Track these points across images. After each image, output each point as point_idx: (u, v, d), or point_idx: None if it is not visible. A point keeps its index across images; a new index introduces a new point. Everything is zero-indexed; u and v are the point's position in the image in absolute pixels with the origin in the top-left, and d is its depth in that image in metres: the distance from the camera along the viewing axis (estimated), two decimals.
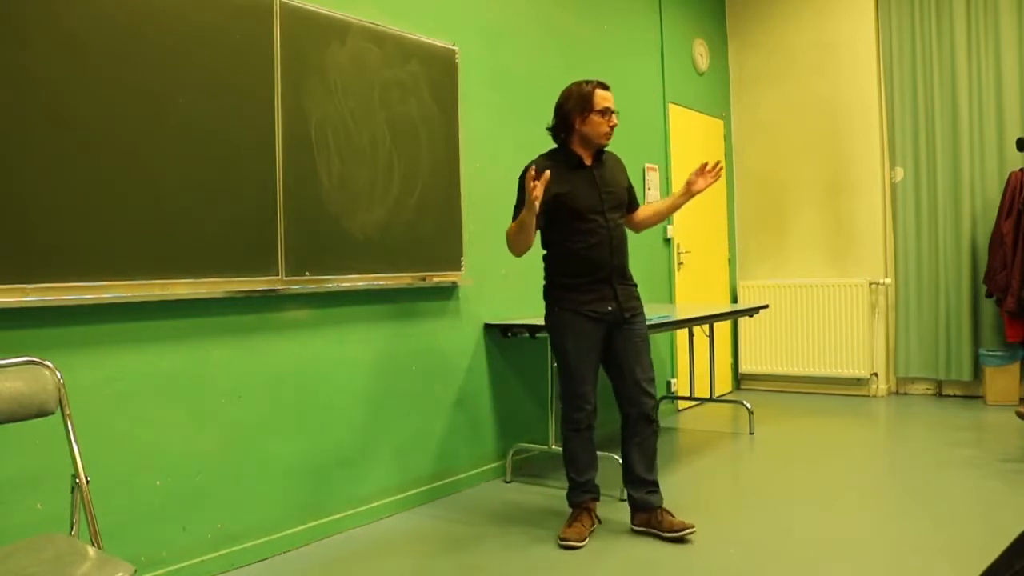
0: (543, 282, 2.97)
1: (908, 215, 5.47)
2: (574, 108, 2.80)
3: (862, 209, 5.66)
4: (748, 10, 6.15)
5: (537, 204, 2.59)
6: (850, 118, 5.69)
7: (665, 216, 3.15)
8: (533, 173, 2.54)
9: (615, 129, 2.83)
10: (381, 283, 3.19)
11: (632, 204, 3.04)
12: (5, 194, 2.10)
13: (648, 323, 3.39)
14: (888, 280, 5.56)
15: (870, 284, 5.56)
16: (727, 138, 6.18)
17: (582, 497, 2.93)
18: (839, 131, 5.74)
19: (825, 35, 5.78)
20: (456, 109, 3.55)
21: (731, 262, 6.19)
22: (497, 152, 3.90)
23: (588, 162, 2.86)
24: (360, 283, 3.10)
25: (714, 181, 2.97)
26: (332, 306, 3.07)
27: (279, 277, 2.79)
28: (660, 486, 2.93)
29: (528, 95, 4.11)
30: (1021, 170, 4.84)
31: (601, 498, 3.01)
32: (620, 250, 2.87)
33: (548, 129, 2.91)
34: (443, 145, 3.48)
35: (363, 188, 3.11)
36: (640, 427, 2.90)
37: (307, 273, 2.88)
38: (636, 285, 2.96)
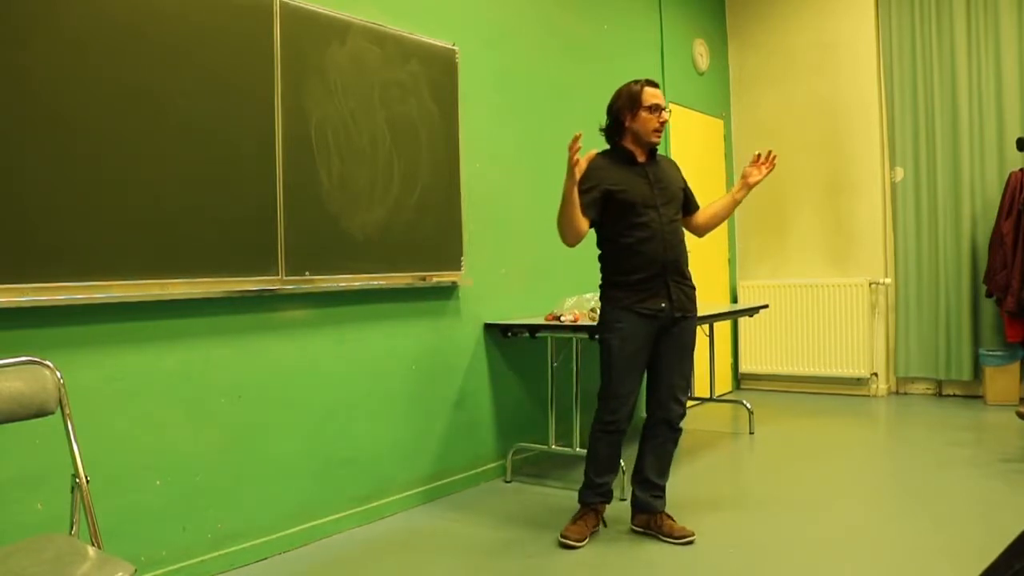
0: (599, 283, 2.92)
1: (908, 215, 5.47)
2: (624, 106, 2.81)
3: (862, 209, 5.66)
4: (748, 10, 6.16)
5: (577, 172, 2.59)
6: (850, 118, 5.69)
7: (726, 214, 3.07)
8: (578, 143, 2.55)
9: (665, 126, 2.83)
10: (381, 283, 3.19)
11: (690, 206, 3.01)
12: (5, 194, 2.10)
13: None
14: (888, 280, 5.56)
15: (870, 284, 5.56)
16: (727, 138, 6.18)
17: (593, 499, 2.91)
18: (839, 131, 5.74)
19: (825, 35, 5.78)
20: (456, 109, 3.55)
21: (731, 262, 6.19)
22: (497, 152, 3.90)
23: (641, 159, 2.85)
24: (360, 283, 3.10)
25: (769, 171, 2.93)
26: (332, 306, 3.07)
27: (279, 277, 2.79)
28: (666, 492, 2.92)
29: (528, 95, 4.11)
30: (1021, 170, 4.84)
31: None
32: (674, 246, 2.82)
33: (601, 130, 2.91)
34: (443, 145, 3.48)
35: (363, 188, 3.11)
36: (661, 431, 2.88)
37: (307, 273, 2.88)
38: (694, 287, 2.91)
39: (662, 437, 2.89)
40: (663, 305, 2.79)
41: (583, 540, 2.80)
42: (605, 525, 2.97)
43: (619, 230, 2.79)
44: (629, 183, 2.79)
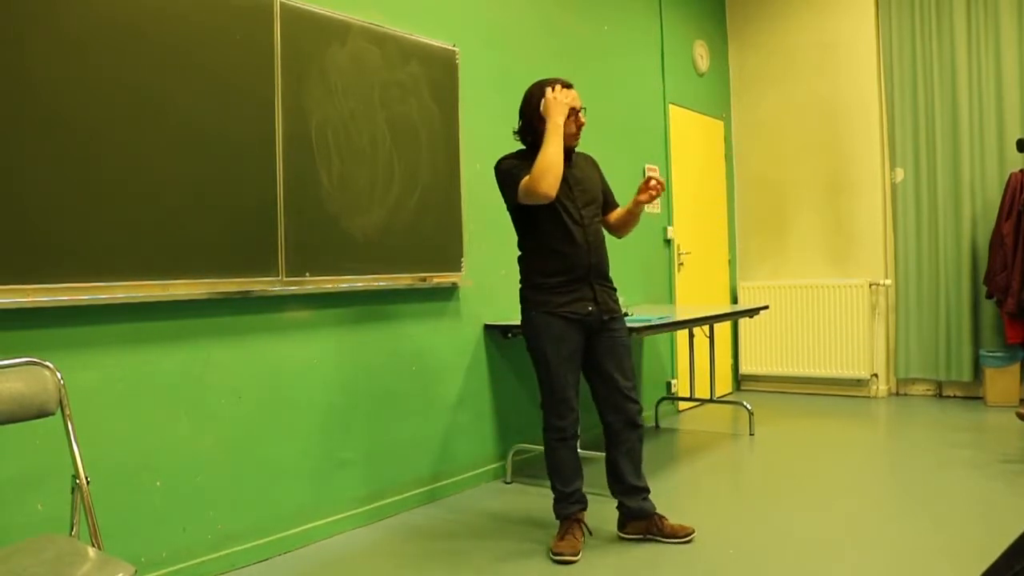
0: (518, 285, 2.85)
1: (908, 216, 5.47)
2: (538, 109, 2.70)
3: (862, 210, 5.66)
4: (748, 11, 6.16)
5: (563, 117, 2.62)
6: (850, 118, 5.69)
7: (632, 218, 2.93)
8: (550, 91, 2.61)
9: (583, 129, 2.76)
10: (381, 284, 3.19)
11: (608, 206, 2.95)
12: (5, 194, 2.11)
13: (648, 324, 3.39)
14: (888, 281, 5.56)
15: (870, 285, 5.56)
16: (727, 139, 6.18)
17: (570, 509, 2.80)
18: (839, 132, 5.74)
19: (825, 35, 5.78)
20: (456, 110, 3.55)
21: (731, 263, 6.19)
22: (497, 153, 3.86)
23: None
24: (360, 284, 3.10)
25: (655, 195, 2.77)
26: (332, 306, 3.07)
27: (279, 277, 2.79)
28: (650, 490, 2.88)
29: None
30: (1021, 171, 4.84)
31: (591, 498, 2.95)
32: (597, 248, 2.76)
33: (515, 132, 2.82)
34: (443, 146, 3.48)
35: (363, 189, 3.11)
36: (626, 434, 2.81)
37: (307, 273, 2.88)
38: (615, 288, 2.88)
39: (629, 440, 2.82)
40: (590, 308, 2.74)
41: (577, 554, 2.70)
42: (591, 533, 2.89)
43: (541, 234, 2.73)
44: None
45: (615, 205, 2.99)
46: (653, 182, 2.74)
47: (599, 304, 2.76)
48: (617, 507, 2.90)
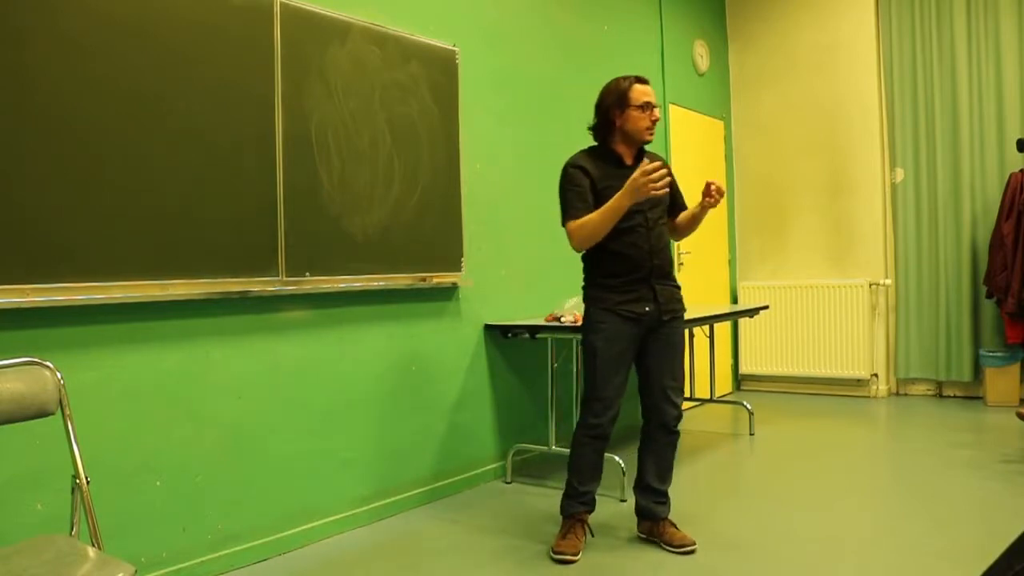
0: (582, 284, 2.86)
1: (908, 216, 5.47)
2: (613, 104, 2.73)
3: (862, 210, 5.66)
4: (748, 11, 6.16)
5: (641, 196, 2.54)
6: (850, 118, 5.69)
7: (695, 222, 2.93)
8: (663, 180, 2.51)
9: (656, 124, 2.76)
10: (381, 284, 3.19)
11: (675, 208, 2.93)
12: (5, 194, 2.11)
13: None
14: (888, 281, 5.56)
15: (870, 285, 5.56)
16: (727, 139, 6.18)
17: (577, 508, 2.79)
18: (839, 132, 5.74)
19: (825, 35, 5.78)
20: (456, 110, 3.55)
21: (731, 263, 6.19)
22: (497, 153, 3.90)
23: (629, 161, 2.77)
24: (360, 284, 3.10)
25: (716, 201, 2.74)
26: (332, 306, 3.07)
27: (279, 277, 2.79)
28: (670, 497, 2.86)
29: (529, 96, 4.11)
30: (1021, 171, 4.84)
31: (599, 498, 2.95)
32: (659, 249, 2.76)
33: (589, 128, 2.84)
34: (443, 146, 3.48)
35: (363, 189, 3.11)
36: (658, 436, 2.81)
37: (307, 273, 2.88)
38: (679, 287, 2.86)
39: (660, 441, 2.82)
40: (648, 308, 2.73)
41: (578, 554, 2.70)
42: (592, 535, 2.89)
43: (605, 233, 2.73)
44: (617, 186, 2.66)
45: (683, 207, 2.95)
46: (713, 188, 2.72)
47: (659, 304, 2.75)
48: (635, 502, 2.90)
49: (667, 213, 2.87)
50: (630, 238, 2.70)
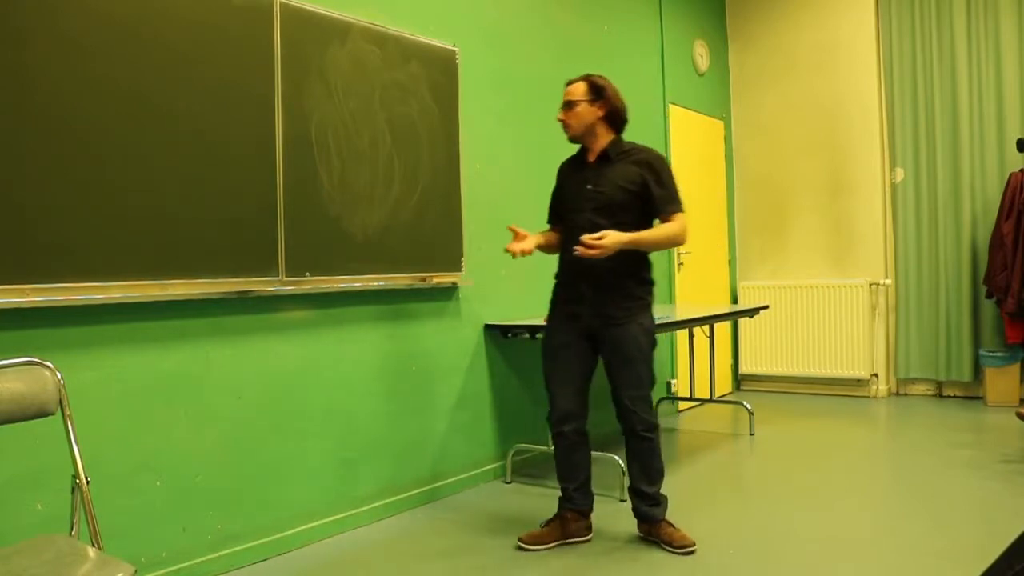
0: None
1: (908, 216, 5.47)
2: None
3: (862, 210, 5.66)
4: (748, 10, 6.16)
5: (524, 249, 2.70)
6: (850, 118, 5.69)
7: (548, 248, 2.89)
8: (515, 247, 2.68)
9: (563, 122, 2.77)
10: (381, 284, 3.19)
11: (652, 210, 2.74)
12: (5, 194, 2.11)
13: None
14: (888, 281, 5.56)
15: (870, 285, 5.56)
16: (727, 139, 6.18)
17: (561, 505, 2.87)
18: (839, 132, 5.74)
19: (825, 35, 5.78)
20: (456, 110, 3.55)
21: (731, 263, 6.19)
22: (497, 153, 3.90)
23: (591, 158, 2.76)
24: (360, 284, 3.10)
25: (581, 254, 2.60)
26: (332, 306, 3.07)
27: (279, 277, 2.79)
28: (664, 497, 2.83)
29: (528, 96, 4.11)
30: (1021, 171, 4.83)
31: (600, 499, 2.96)
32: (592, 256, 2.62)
33: None
34: (443, 146, 3.48)
35: (363, 189, 3.11)
36: (631, 441, 2.79)
37: (307, 273, 2.88)
38: (629, 294, 2.73)
39: (635, 446, 2.78)
40: (582, 312, 2.74)
41: (537, 545, 2.77)
42: (589, 532, 2.88)
43: (563, 234, 2.84)
44: (569, 184, 2.83)
45: (657, 211, 2.73)
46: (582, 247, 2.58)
47: (593, 308, 2.72)
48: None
49: (642, 217, 2.73)
50: (568, 237, 2.75)
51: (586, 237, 2.54)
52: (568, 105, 2.73)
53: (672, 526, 2.81)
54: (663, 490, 2.85)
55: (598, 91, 2.71)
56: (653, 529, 2.81)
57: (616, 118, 2.75)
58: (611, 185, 2.70)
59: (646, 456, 2.79)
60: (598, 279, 2.71)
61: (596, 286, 2.72)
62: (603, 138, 2.75)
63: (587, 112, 2.71)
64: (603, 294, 2.72)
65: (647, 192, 2.71)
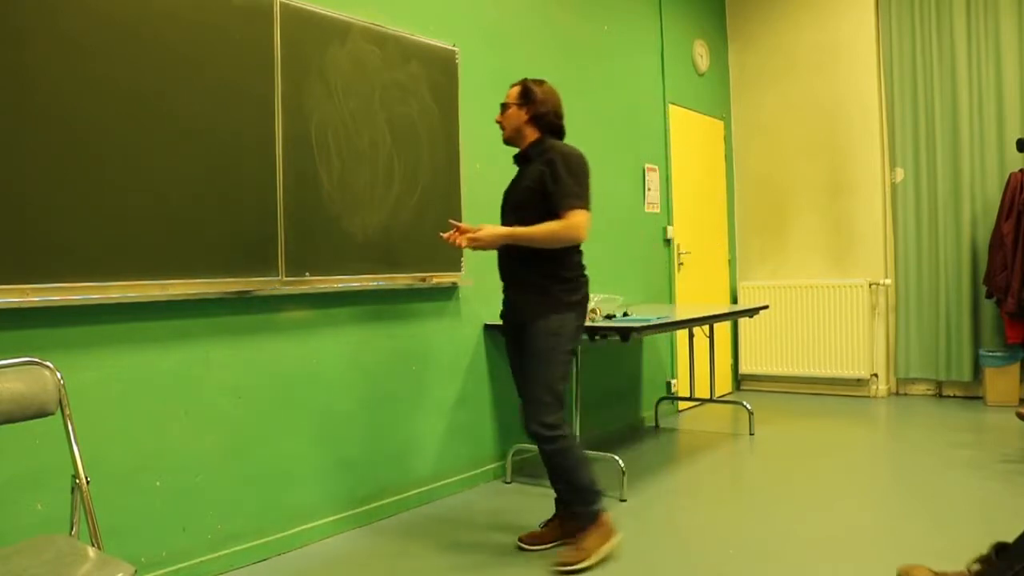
0: None
1: (908, 216, 5.47)
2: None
3: (862, 210, 5.66)
4: (748, 10, 6.16)
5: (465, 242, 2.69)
6: (850, 118, 5.69)
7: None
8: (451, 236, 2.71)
9: (501, 125, 2.83)
10: (381, 283, 3.19)
11: (549, 206, 2.63)
12: (5, 194, 2.11)
13: (647, 324, 3.38)
14: (888, 281, 5.56)
15: (870, 285, 5.56)
16: (727, 139, 6.18)
17: (557, 506, 2.90)
18: (839, 132, 5.74)
19: (825, 35, 5.78)
20: (456, 110, 3.55)
21: (731, 263, 6.19)
22: (497, 153, 3.89)
23: (520, 160, 2.84)
24: (360, 283, 3.10)
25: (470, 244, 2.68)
26: (332, 306, 3.07)
27: (279, 277, 2.79)
28: (580, 510, 2.68)
29: None
30: (1021, 171, 4.84)
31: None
32: (507, 253, 2.74)
33: None
34: (443, 146, 3.48)
35: (363, 189, 3.11)
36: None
37: (307, 273, 2.88)
38: (538, 291, 2.67)
39: (542, 454, 2.68)
40: (505, 309, 2.85)
41: (530, 545, 2.80)
42: (566, 539, 2.78)
43: None
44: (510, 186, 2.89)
45: (556, 208, 2.62)
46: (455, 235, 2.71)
47: (511, 306, 2.82)
48: None
49: (545, 214, 2.64)
50: None
51: (462, 226, 2.70)
52: (502, 108, 2.82)
53: (574, 538, 2.65)
54: (596, 505, 2.69)
55: (527, 95, 2.76)
56: (559, 528, 2.81)
57: (542, 121, 2.75)
58: (520, 185, 2.78)
59: (546, 460, 2.67)
60: (513, 276, 2.80)
61: (513, 284, 2.82)
62: (528, 140, 2.79)
63: (515, 115, 2.77)
64: (517, 292, 2.79)
65: (545, 189, 2.65)
